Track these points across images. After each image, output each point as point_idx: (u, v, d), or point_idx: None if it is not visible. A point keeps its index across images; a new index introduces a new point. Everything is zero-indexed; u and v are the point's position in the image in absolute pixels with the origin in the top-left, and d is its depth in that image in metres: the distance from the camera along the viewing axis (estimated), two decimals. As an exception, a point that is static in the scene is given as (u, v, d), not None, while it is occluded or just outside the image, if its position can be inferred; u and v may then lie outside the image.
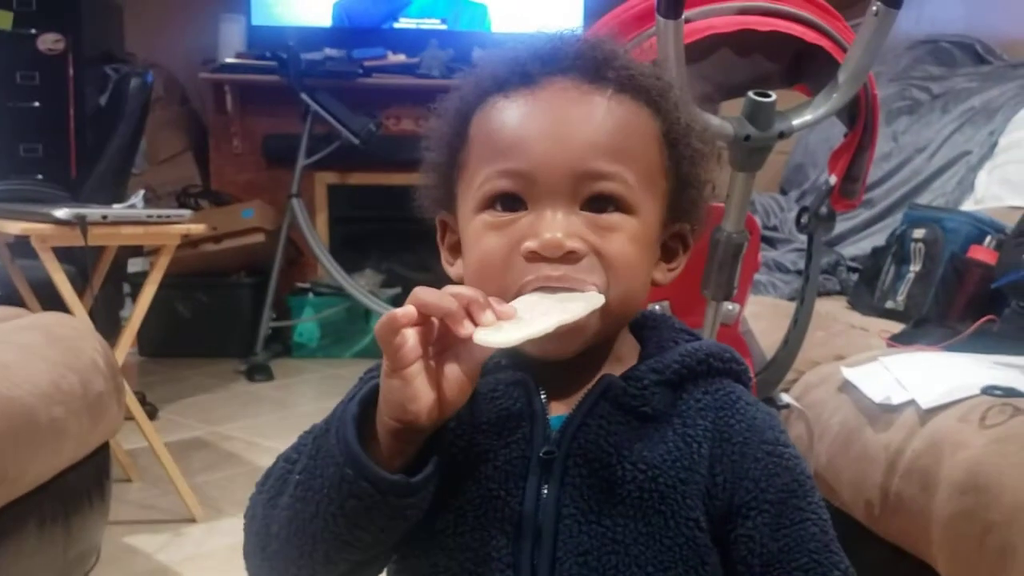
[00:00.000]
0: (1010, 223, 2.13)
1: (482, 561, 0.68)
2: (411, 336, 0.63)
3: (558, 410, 0.71)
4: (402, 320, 0.63)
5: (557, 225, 0.67)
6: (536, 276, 0.67)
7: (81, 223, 2.00)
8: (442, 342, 0.64)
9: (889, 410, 1.56)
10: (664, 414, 0.70)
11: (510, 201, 0.69)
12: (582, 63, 0.70)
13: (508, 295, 0.68)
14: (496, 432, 0.70)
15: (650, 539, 0.67)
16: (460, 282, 0.75)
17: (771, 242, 2.92)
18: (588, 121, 0.69)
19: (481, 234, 0.70)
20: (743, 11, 1.24)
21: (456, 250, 0.76)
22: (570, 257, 0.67)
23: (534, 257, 0.67)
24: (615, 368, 0.72)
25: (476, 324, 0.63)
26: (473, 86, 0.74)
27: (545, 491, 0.68)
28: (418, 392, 0.64)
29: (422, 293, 0.63)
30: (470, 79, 0.74)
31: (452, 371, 0.64)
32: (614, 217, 0.69)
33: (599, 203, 0.69)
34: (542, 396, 0.71)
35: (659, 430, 0.69)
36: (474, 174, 0.71)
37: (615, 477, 0.67)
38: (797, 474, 0.70)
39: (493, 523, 0.68)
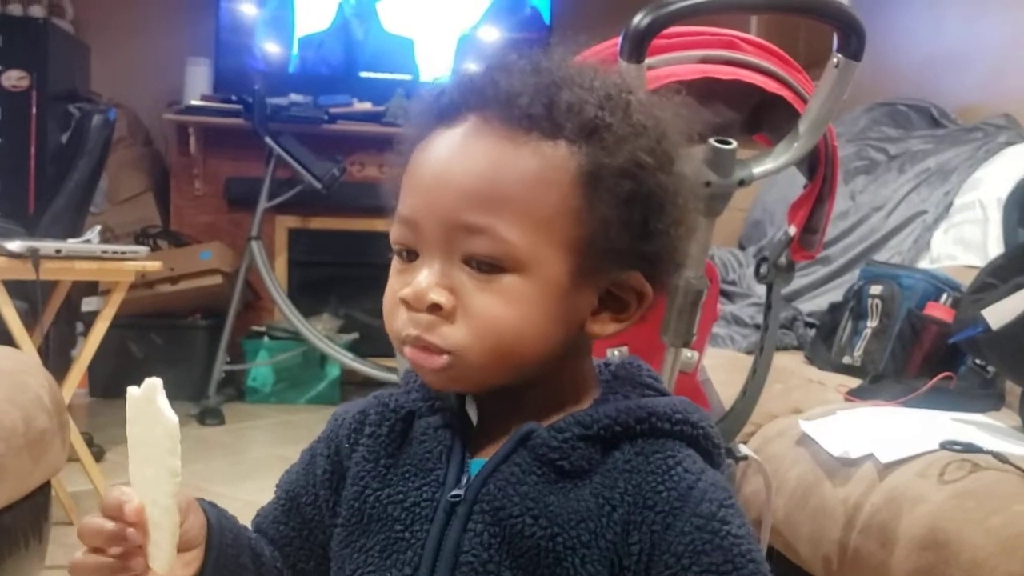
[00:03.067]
0: (965, 281, 2.15)
1: None
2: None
3: (486, 453, 0.69)
4: None
5: (430, 276, 0.65)
6: (410, 333, 0.66)
7: (33, 256, 1.96)
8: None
9: (848, 464, 1.55)
10: (586, 471, 0.66)
11: (406, 249, 0.68)
12: (495, 96, 0.65)
13: (398, 344, 0.67)
14: (413, 474, 0.70)
15: None
16: None
17: (729, 296, 2.93)
18: (468, 168, 0.64)
19: (389, 280, 0.69)
20: (705, 60, 1.25)
21: None
22: (436, 311, 0.64)
23: (408, 306, 0.66)
24: (558, 416, 0.68)
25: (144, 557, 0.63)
26: (416, 116, 0.71)
27: (448, 535, 0.66)
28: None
29: (76, 571, 0.63)
30: (415, 108, 0.71)
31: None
32: (494, 277, 0.64)
33: (477, 261, 0.64)
34: (467, 439, 0.70)
35: (577, 487, 0.65)
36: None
37: (515, 530, 0.64)
38: (734, 555, 0.63)
39: (395, 564, 0.67)
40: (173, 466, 0.62)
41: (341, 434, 0.75)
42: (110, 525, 0.61)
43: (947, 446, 1.43)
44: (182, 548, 0.64)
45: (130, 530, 0.61)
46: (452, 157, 0.65)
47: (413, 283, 0.65)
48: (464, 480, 0.68)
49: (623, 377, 0.72)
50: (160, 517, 0.62)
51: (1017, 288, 1.58)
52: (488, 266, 0.64)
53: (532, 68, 0.67)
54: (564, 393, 0.70)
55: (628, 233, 0.66)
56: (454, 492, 0.67)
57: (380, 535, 0.69)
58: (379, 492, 0.70)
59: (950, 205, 2.63)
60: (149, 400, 0.62)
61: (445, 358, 0.65)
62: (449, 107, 0.67)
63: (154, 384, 0.63)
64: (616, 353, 1.42)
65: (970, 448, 1.41)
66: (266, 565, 0.72)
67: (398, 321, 0.67)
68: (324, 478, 0.75)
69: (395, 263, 0.69)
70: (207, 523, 0.66)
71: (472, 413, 0.71)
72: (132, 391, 0.63)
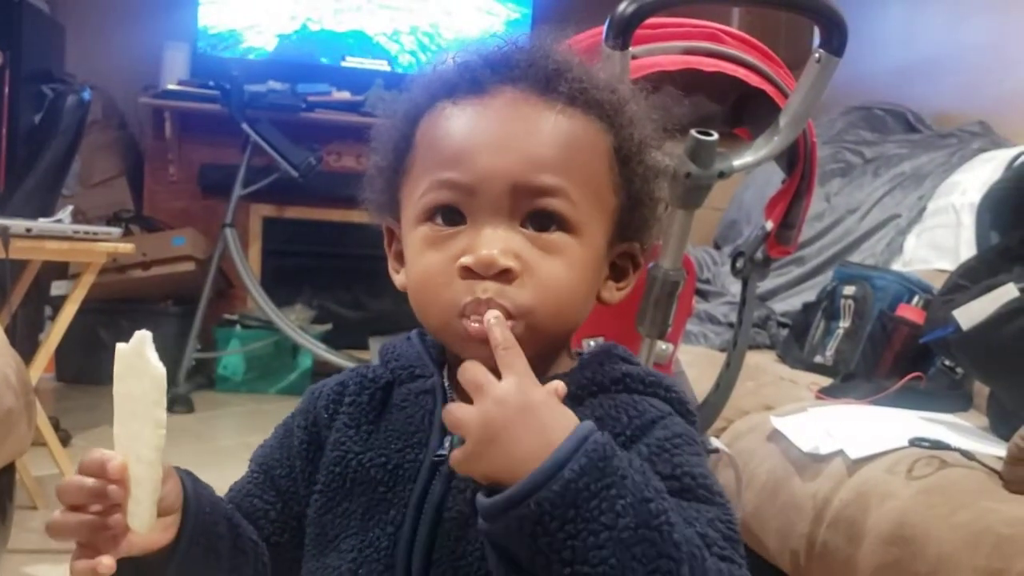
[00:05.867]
0: (937, 284, 2.17)
1: (365, 561, 0.69)
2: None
3: None
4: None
5: (494, 242, 0.65)
6: (472, 299, 0.65)
7: (3, 234, 1.93)
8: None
9: (817, 460, 1.56)
10: None
11: (450, 214, 0.68)
12: (533, 73, 0.69)
13: (449, 314, 0.67)
14: (396, 438, 0.71)
15: None
16: (403, 290, 0.74)
17: (703, 295, 2.95)
18: (534, 134, 0.67)
19: (421, 249, 0.69)
20: (688, 51, 1.26)
21: (402, 258, 0.75)
22: (504, 276, 0.65)
23: (468, 274, 0.66)
24: None
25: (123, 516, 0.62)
26: (422, 89, 0.72)
27: (431, 493, 0.69)
28: (134, 544, 0.62)
29: (54, 530, 0.61)
30: (420, 81, 0.73)
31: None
32: (555, 237, 0.67)
33: (541, 220, 0.67)
34: (451, 401, 0.71)
35: None
36: (416, 182, 0.70)
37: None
38: (678, 467, 0.65)
39: (378, 524, 0.69)
40: (159, 418, 0.61)
41: (319, 405, 0.77)
42: (91, 482, 0.61)
43: (916, 443, 1.44)
44: (160, 513, 0.63)
45: (112, 487, 0.60)
46: (510, 122, 0.67)
47: (476, 250, 0.65)
48: (447, 442, 0.69)
49: (597, 352, 0.75)
50: (144, 472, 0.62)
51: (988, 290, 1.59)
52: (551, 227, 0.67)
53: (559, 49, 0.71)
54: (553, 366, 0.73)
55: (644, 207, 0.73)
56: (439, 452, 0.69)
57: (363, 497, 0.70)
58: (361, 456, 0.71)
59: (924, 209, 2.65)
60: (138, 353, 0.62)
61: (517, 325, 0.65)
62: (473, 81, 0.69)
63: (143, 336, 0.62)
64: (592, 344, 1.43)
65: (938, 445, 1.42)
66: (243, 536, 0.72)
67: (451, 291, 0.66)
68: (301, 449, 0.76)
69: (427, 233, 0.68)
70: (183, 490, 0.66)
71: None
72: (121, 346, 0.63)
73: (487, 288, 0.65)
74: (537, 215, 0.67)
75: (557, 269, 0.67)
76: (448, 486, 0.68)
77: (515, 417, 0.59)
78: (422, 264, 0.68)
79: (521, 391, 0.60)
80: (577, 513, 0.56)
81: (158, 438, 0.61)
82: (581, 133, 0.69)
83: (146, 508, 0.62)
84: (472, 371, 0.61)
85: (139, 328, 0.64)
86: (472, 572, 0.66)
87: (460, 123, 0.68)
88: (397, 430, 0.72)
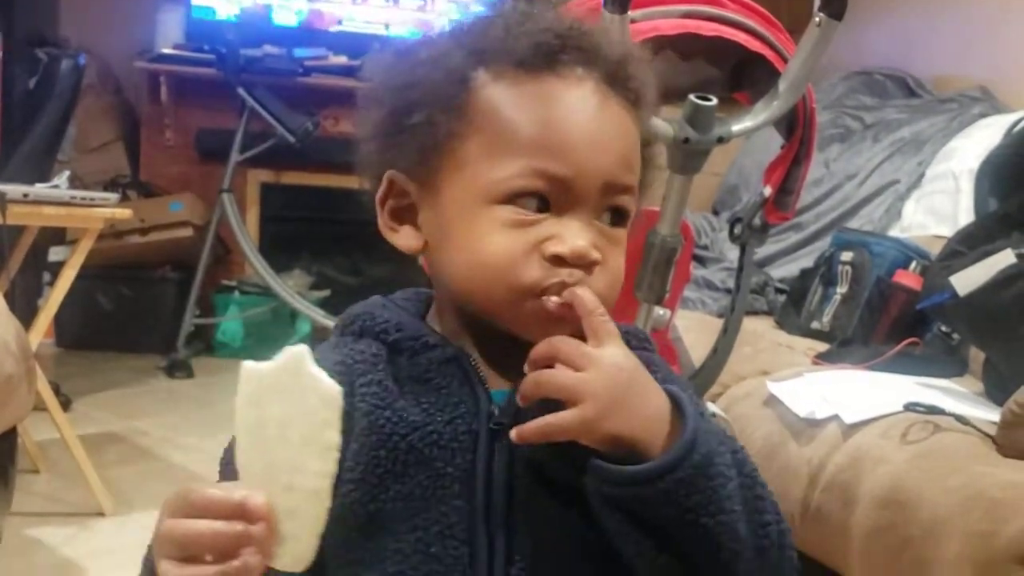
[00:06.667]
0: (935, 250, 2.17)
1: (436, 539, 0.67)
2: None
3: (497, 384, 0.70)
4: None
5: (582, 234, 0.67)
6: (558, 280, 0.66)
7: (0, 199, 1.92)
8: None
9: (813, 424, 1.57)
10: None
11: (534, 200, 0.67)
12: (603, 61, 0.70)
13: (525, 294, 0.66)
14: (438, 410, 0.69)
15: None
16: (407, 252, 0.73)
17: (701, 260, 2.95)
18: (620, 134, 0.70)
19: (494, 228, 0.67)
20: (688, 15, 1.25)
21: (401, 216, 0.72)
22: (589, 267, 0.67)
23: (557, 261, 0.66)
24: None
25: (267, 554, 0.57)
26: (473, 47, 0.69)
27: (496, 462, 0.68)
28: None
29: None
30: (469, 38, 0.71)
31: None
32: (620, 231, 0.70)
33: (612, 215, 0.70)
34: (479, 371, 0.71)
35: None
36: (491, 160, 0.67)
37: (563, 442, 0.66)
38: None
39: (444, 500, 0.67)
40: (331, 440, 0.56)
41: None
42: (222, 525, 0.55)
43: (911, 407, 1.45)
44: None
45: (256, 527, 0.55)
46: (602, 118, 0.69)
47: (567, 241, 0.66)
48: (495, 409, 0.69)
49: None
50: (300, 503, 0.56)
51: (985, 256, 1.60)
52: (620, 220, 0.70)
53: (619, 33, 0.76)
54: None
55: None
56: (496, 419, 0.68)
57: (419, 476, 0.67)
58: (409, 436, 0.68)
59: (923, 175, 2.65)
60: (295, 371, 0.56)
61: None
62: (549, 56, 0.68)
63: (299, 353, 0.57)
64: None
65: (933, 410, 1.44)
66: None
67: (531, 273, 0.66)
68: None
69: (506, 215, 0.67)
70: None
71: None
72: (251, 366, 0.57)
73: (573, 273, 0.66)
74: (611, 210, 0.69)
75: (620, 261, 0.70)
76: (512, 451, 0.67)
77: (634, 379, 0.64)
78: (498, 244, 0.67)
79: (630, 355, 0.65)
80: (715, 470, 0.63)
81: (330, 462, 0.56)
82: (636, 130, 0.72)
83: (304, 542, 0.56)
84: (565, 342, 0.64)
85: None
86: (550, 532, 0.67)
87: (550, 107, 0.68)
88: (435, 402, 0.69)
